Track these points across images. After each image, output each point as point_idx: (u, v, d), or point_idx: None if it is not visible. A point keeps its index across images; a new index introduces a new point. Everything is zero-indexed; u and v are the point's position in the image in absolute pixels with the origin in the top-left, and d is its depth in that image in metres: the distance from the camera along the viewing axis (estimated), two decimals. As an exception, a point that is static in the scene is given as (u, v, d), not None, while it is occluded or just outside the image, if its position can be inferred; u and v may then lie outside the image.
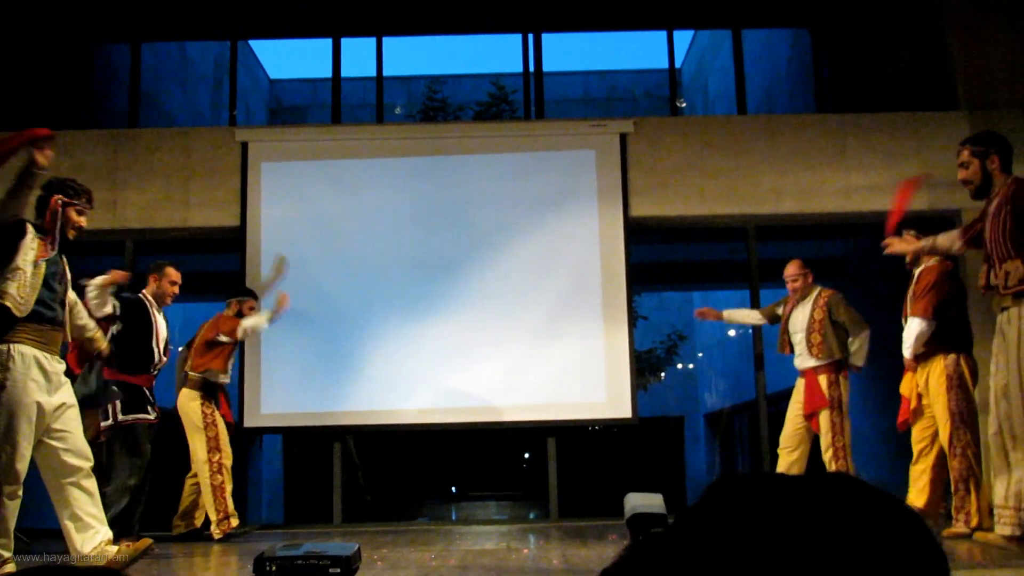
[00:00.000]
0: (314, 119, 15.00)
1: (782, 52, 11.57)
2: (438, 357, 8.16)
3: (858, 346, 6.64)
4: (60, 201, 4.48)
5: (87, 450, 4.47)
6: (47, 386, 4.28)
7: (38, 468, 4.44)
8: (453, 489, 12.17)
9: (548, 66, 9.22)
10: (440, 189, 8.45)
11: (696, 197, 8.52)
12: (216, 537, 6.46)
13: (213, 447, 6.56)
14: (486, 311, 8.23)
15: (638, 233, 8.57)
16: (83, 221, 4.57)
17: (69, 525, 4.40)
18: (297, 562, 3.57)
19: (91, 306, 5.71)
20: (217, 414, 6.68)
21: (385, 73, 9.29)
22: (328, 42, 9.30)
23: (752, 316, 7.48)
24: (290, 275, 8.13)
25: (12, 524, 4.22)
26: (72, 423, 4.41)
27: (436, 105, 14.41)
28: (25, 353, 4.23)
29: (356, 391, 8.12)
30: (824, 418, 6.60)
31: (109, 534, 4.49)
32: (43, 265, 4.32)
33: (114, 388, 5.57)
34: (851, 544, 0.72)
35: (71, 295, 4.69)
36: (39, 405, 4.23)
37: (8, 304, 4.19)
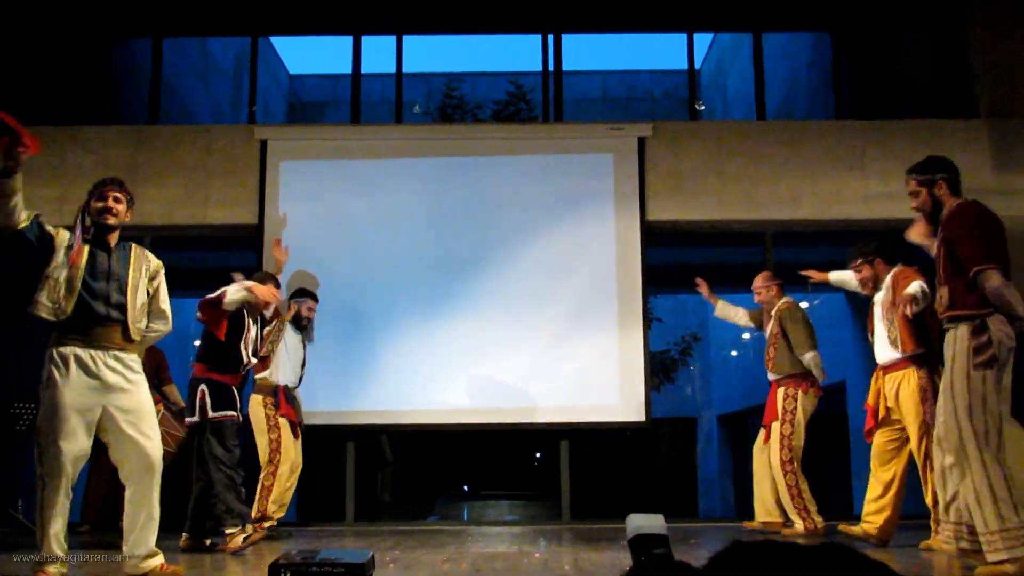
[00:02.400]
0: (333, 115, 15.01)
1: (802, 56, 11.52)
2: (453, 357, 8.18)
3: (805, 366, 6.78)
4: (80, 207, 4.53)
5: (149, 456, 4.41)
6: (94, 384, 4.28)
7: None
8: (465, 488, 12.19)
9: (567, 65, 9.22)
10: (458, 190, 8.46)
11: (714, 202, 8.51)
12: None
13: (274, 449, 6.72)
14: (502, 312, 8.25)
15: (655, 237, 8.56)
16: (107, 203, 4.48)
17: (124, 525, 4.43)
18: (312, 569, 3.59)
19: (225, 302, 5.88)
20: (280, 417, 6.77)
21: (404, 70, 9.31)
22: (348, 39, 9.32)
23: (740, 316, 7.58)
24: (307, 273, 8.19)
25: (57, 526, 4.21)
26: (132, 425, 4.38)
27: (454, 103, 14.40)
28: (65, 354, 4.27)
29: (371, 390, 8.15)
30: (775, 430, 6.76)
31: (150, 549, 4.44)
32: (80, 268, 4.33)
33: None
34: None
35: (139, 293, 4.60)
36: (84, 403, 4.24)
37: (42, 313, 4.27)
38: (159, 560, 4.43)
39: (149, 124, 8.91)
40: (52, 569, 4.14)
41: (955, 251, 4.31)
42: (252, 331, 6.25)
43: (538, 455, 12.16)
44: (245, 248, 8.46)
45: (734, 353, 17.04)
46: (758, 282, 7.19)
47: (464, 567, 4.94)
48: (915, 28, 9.69)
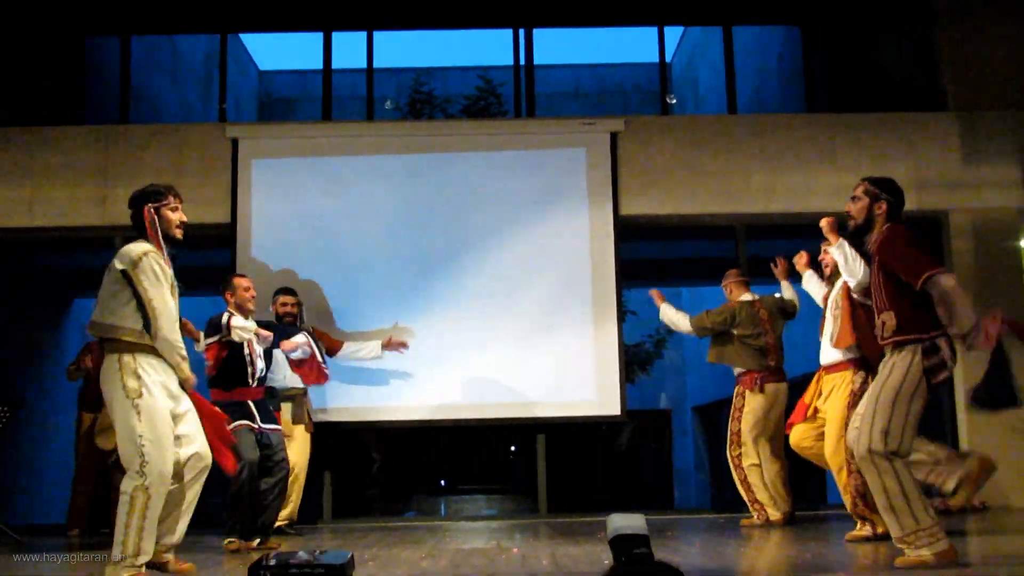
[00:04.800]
0: (304, 111, 14.94)
1: (773, 49, 11.58)
2: (428, 354, 8.18)
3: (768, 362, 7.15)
4: (151, 209, 4.48)
5: (204, 457, 4.51)
6: (166, 391, 4.34)
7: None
8: (442, 483, 12.19)
9: (538, 59, 9.23)
10: (431, 186, 8.46)
11: (686, 196, 8.55)
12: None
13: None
14: (476, 308, 8.26)
15: (628, 231, 8.59)
16: (181, 215, 4.55)
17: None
18: (291, 571, 3.59)
19: (233, 334, 5.93)
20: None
21: (375, 65, 9.29)
22: (319, 35, 9.28)
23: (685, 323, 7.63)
24: (280, 271, 8.16)
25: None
26: (190, 426, 4.46)
27: (423, 98, 14.35)
28: (143, 364, 4.28)
29: (346, 388, 8.13)
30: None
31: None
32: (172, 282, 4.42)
33: None
34: None
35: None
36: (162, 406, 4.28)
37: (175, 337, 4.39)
38: (172, 555, 4.47)
39: (119, 124, 8.83)
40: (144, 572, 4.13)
41: (896, 270, 4.26)
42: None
43: (513, 449, 12.18)
44: (219, 247, 8.41)
45: (708, 345, 17.10)
46: (724, 281, 7.41)
47: (443, 564, 4.95)
48: (884, 22, 9.77)
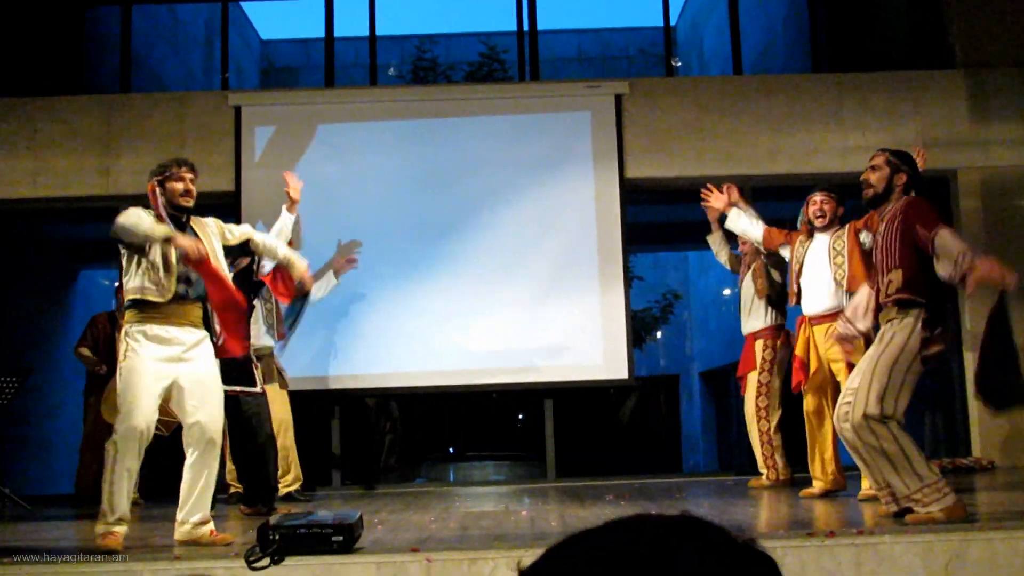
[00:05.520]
0: (306, 80, 14.86)
1: (778, 10, 11.47)
2: (435, 320, 8.18)
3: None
4: (155, 182, 4.58)
5: (208, 429, 4.51)
6: (167, 355, 4.42)
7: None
8: (451, 450, 12.22)
9: (541, 24, 9.15)
10: (435, 152, 8.42)
11: (692, 158, 8.50)
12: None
13: None
14: (482, 273, 8.24)
15: (634, 194, 8.55)
16: (186, 185, 4.60)
17: (181, 490, 4.52)
18: (300, 531, 3.60)
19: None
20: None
21: (377, 33, 9.22)
22: (320, 2, 9.22)
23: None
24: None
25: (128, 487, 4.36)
26: (198, 397, 4.50)
27: (426, 65, 14.27)
28: (143, 329, 4.41)
29: (353, 355, 8.14)
30: (752, 379, 6.86)
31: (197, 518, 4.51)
32: (172, 256, 4.44)
33: None
34: None
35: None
36: (156, 373, 4.38)
37: (149, 297, 4.41)
38: (210, 527, 4.50)
39: (121, 93, 8.79)
40: (119, 530, 4.26)
41: (921, 236, 4.27)
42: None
43: (520, 416, 12.19)
44: (224, 215, 8.36)
45: (714, 310, 17.11)
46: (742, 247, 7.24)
47: (452, 526, 4.97)
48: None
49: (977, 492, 6.08)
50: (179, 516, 4.48)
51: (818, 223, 5.99)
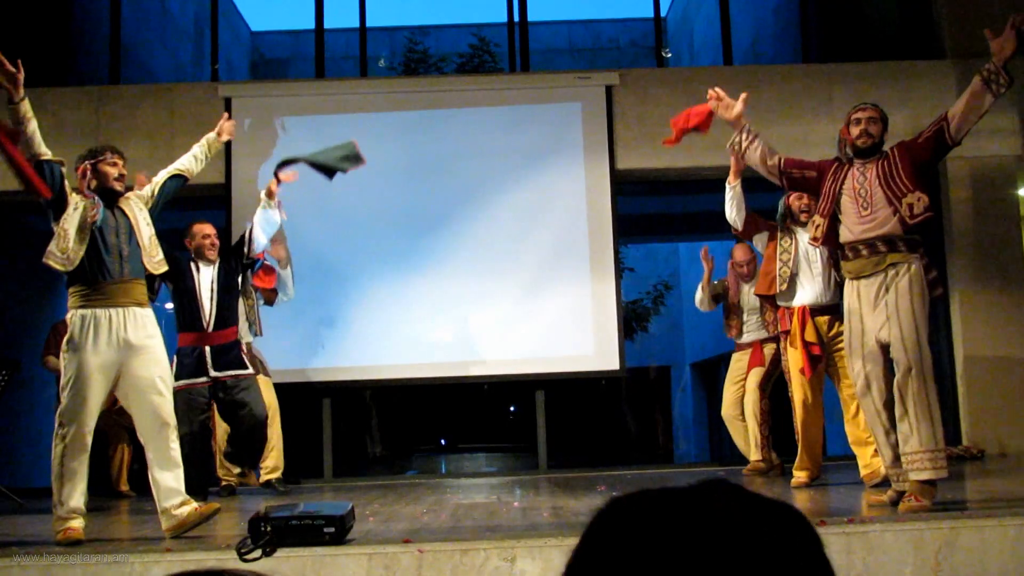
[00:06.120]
0: (297, 72, 14.84)
1: (768, 1, 11.48)
2: (426, 311, 8.17)
3: None
4: (87, 164, 4.65)
5: (160, 414, 4.51)
6: (113, 343, 4.41)
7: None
8: (443, 442, 12.24)
9: (532, 15, 9.13)
10: (426, 143, 8.39)
11: (682, 149, 8.41)
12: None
13: None
14: (473, 265, 8.23)
15: (625, 185, 8.55)
16: (120, 170, 4.70)
17: (152, 482, 4.52)
18: (292, 522, 3.60)
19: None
20: None
21: (368, 24, 9.19)
22: (311, -7, 9.19)
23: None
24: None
25: (81, 484, 4.38)
26: (147, 382, 4.48)
27: (417, 57, 14.26)
28: (86, 316, 4.43)
29: (344, 346, 8.13)
30: (756, 372, 6.84)
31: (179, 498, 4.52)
32: (88, 227, 4.48)
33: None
34: (742, 550, 0.73)
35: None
36: (103, 362, 4.37)
37: (51, 262, 4.43)
38: (192, 506, 4.50)
39: (110, 85, 8.75)
40: (76, 523, 4.26)
41: (929, 147, 4.65)
42: (203, 275, 6.13)
43: (512, 408, 12.20)
44: (214, 208, 8.37)
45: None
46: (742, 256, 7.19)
47: (444, 517, 4.97)
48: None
49: (967, 480, 6.10)
50: (159, 507, 4.47)
51: (803, 218, 6.06)
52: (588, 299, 8.21)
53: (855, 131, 4.85)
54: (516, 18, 9.05)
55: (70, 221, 4.46)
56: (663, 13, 9.94)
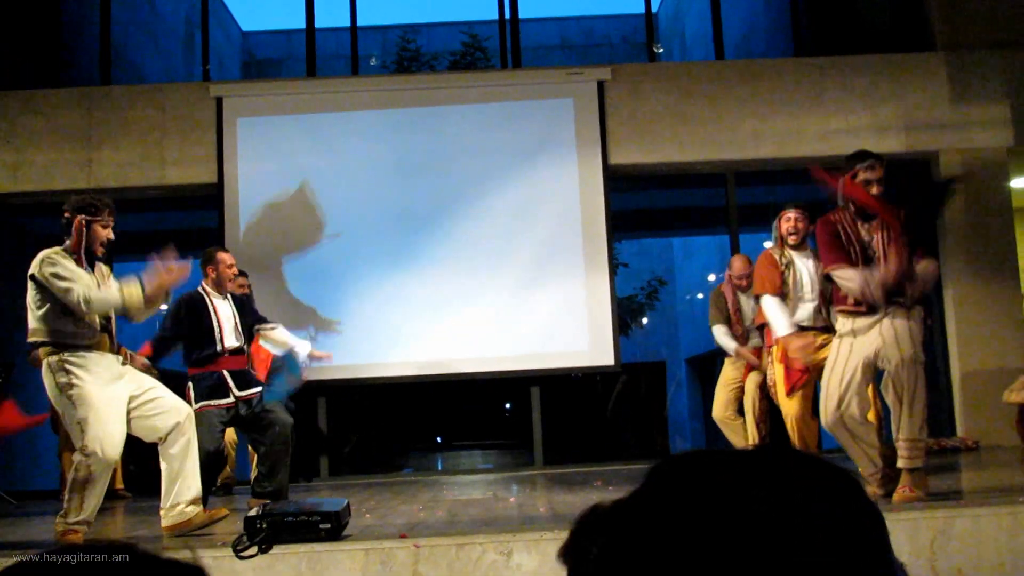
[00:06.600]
0: (288, 72, 14.83)
1: (759, -5, 11.49)
2: (420, 309, 8.17)
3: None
4: (83, 220, 4.51)
5: (169, 423, 4.59)
6: (112, 376, 4.48)
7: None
8: (438, 439, 12.23)
9: (524, 12, 9.13)
10: (418, 141, 8.39)
11: (675, 144, 8.50)
12: None
13: None
14: (467, 262, 8.23)
15: (618, 181, 8.56)
16: (109, 234, 4.61)
17: (163, 477, 4.60)
18: (288, 519, 3.60)
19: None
20: None
21: (359, 23, 9.19)
22: (301, -7, 9.18)
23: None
24: (269, 230, 8.11)
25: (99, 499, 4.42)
26: (149, 403, 4.58)
27: (410, 55, 14.25)
28: (76, 360, 4.43)
29: (338, 344, 8.09)
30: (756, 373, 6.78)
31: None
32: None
33: None
34: (804, 510, 0.73)
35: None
36: (113, 392, 4.45)
37: (82, 340, 4.46)
38: (200, 507, 4.57)
39: (101, 86, 8.73)
40: (82, 529, 4.32)
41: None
42: (221, 310, 5.82)
43: (507, 405, 12.20)
44: (206, 208, 8.36)
45: (700, 296, 17.16)
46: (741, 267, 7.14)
47: (440, 514, 4.97)
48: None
49: (962, 471, 6.12)
50: (166, 503, 4.48)
51: (791, 240, 5.93)
52: (582, 295, 8.22)
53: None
54: (507, 15, 9.05)
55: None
56: (654, 9, 9.93)
